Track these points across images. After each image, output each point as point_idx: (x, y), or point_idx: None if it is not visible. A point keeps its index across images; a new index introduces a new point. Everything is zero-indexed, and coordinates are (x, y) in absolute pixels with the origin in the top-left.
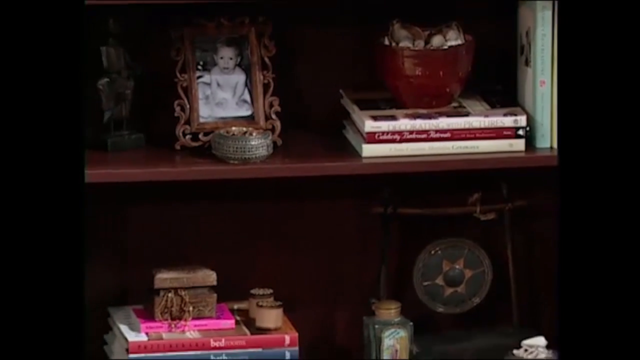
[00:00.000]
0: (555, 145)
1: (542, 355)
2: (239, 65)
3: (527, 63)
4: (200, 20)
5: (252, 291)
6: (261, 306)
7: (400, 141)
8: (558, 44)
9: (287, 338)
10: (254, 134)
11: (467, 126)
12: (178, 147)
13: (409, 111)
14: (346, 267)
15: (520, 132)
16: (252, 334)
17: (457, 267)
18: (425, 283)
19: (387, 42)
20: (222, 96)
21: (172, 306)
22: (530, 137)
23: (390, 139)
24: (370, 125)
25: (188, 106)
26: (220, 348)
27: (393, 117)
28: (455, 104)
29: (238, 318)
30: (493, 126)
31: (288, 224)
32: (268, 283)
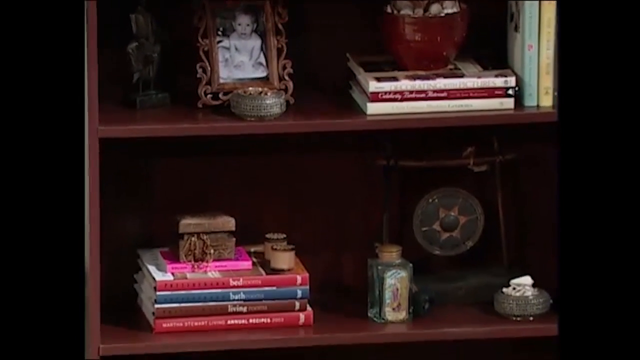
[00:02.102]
0: (541, 103)
1: (529, 293)
2: (255, 31)
3: (516, 29)
4: None
5: (267, 236)
6: (275, 249)
7: (401, 100)
8: (557, 2)
9: (299, 278)
10: (269, 94)
11: (461, 86)
12: (200, 106)
13: (409, 73)
14: (352, 214)
15: (510, 91)
16: (267, 274)
17: (453, 214)
18: (424, 228)
19: (389, 10)
20: (239, 59)
21: (195, 249)
22: (519, 96)
23: (392, 98)
24: (374, 86)
25: (209, 68)
26: (238, 287)
27: (395, 79)
28: (451, 67)
29: (254, 260)
30: (485, 86)
31: (300, 175)
32: (281, 228)
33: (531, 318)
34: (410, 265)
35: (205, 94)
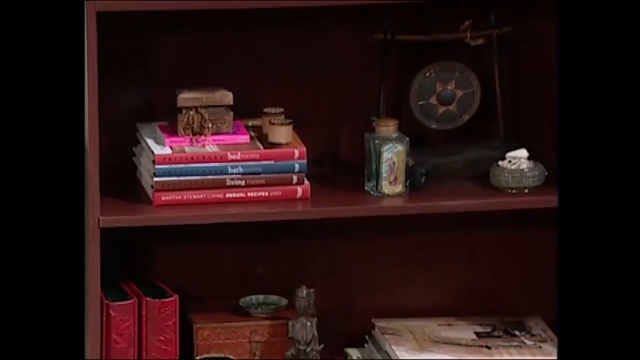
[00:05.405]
0: None
1: (524, 166)
2: None
3: None
4: None
5: (265, 110)
6: (273, 123)
7: None
8: None
9: (296, 152)
10: None
11: None
12: None
13: None
14: (349, 88)
15: None
16: (264, 148)
17: (449, 87)
18: (420, 102)
19: None
20: None
21: (193, 123)
22: None
23: None
24: None
25: None
26: (236, 160)
27: None
28: None
29: (252, 134)
30: None
31: (297, 49)
32: (279, 102)
33: (526, 190)
34: (407, 138)
35: None
